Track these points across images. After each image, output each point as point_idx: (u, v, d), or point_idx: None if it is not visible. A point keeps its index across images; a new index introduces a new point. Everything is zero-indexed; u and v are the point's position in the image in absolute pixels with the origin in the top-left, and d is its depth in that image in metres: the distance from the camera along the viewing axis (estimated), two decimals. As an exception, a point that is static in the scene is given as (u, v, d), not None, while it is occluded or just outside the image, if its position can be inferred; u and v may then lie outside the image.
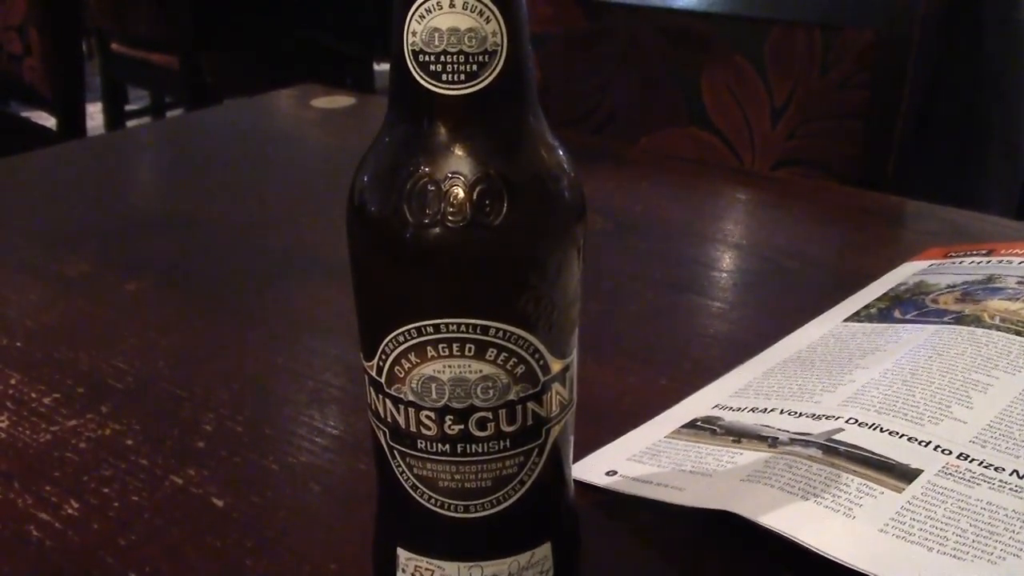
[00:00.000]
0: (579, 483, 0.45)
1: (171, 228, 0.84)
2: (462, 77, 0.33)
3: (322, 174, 0.94)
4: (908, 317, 0.62)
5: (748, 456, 0.49)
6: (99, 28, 2.52)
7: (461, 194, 0.33)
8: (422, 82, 0.33)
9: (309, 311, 0.70)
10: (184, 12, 2.13)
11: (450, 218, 0.33)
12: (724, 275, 0.76)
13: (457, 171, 0.34)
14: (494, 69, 0.33)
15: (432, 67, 0.33)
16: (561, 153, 0.36)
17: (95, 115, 2.62)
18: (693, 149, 1.12)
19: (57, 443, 0.54)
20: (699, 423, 0.54)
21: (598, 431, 0.53)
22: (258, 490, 0.51)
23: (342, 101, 1.13)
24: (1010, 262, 0.66)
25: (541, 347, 0.36)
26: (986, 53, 1.33)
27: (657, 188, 0.92)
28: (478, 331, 0.35)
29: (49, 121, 1.81)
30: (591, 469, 0.50)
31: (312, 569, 0.45)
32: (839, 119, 1.04)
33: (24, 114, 2.13)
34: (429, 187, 0.34)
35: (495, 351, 0.35)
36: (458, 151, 0.34)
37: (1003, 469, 0.46)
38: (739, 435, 0.51)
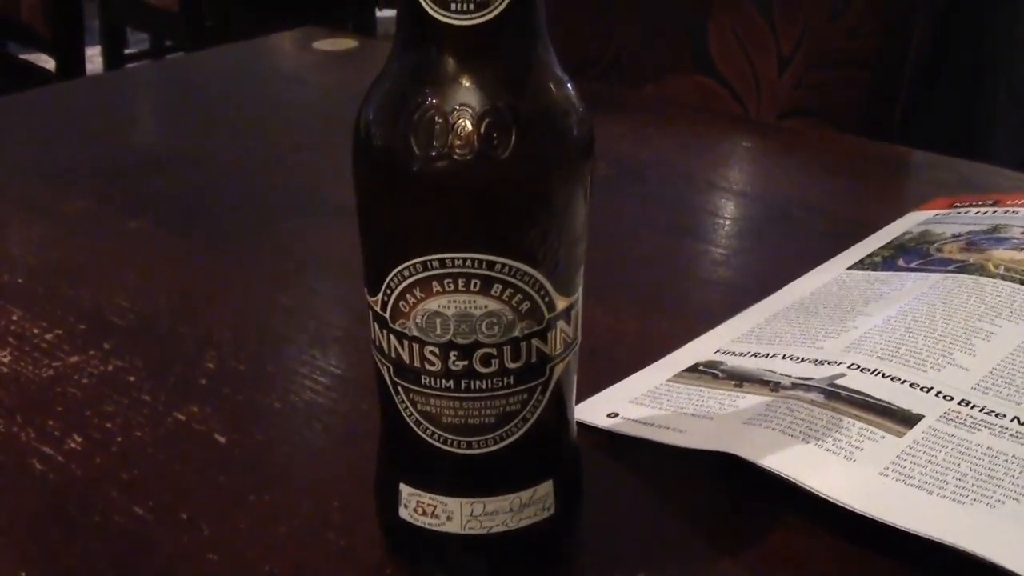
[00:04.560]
0: (580, 425, 0.45)
1: (172, 167, 0.83)
2: (472, 6, 0.32)
3: (325, 114, 0.93)
4: (912, 266, 0.61)
5: (750, 400, 0.49)
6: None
7: (469, 126, 0.33)
8: (431, 11, 0.33)
9: (311, 250, 0.70)
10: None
11: (457, 150, 0.33)
12: (728, 222, 0.76)
13: (465, 103, 0.33)
14: (504, -1, 0.33)
15: (441, -4, 0.33)
16: (570, 87, 0.36)
17: (94, 58, 2.59)
18: (698, 97, 1.11)
19: (59, 378, 0.54)
20: (701, 367, 0.54)
21: (599, 375, 0.53)
22: (261, 427, 0.51)
23: (345, 44, 1.12)
24: (1016, 212, 0.66)
25: (547, 284, 0.35)
26: (995, 2, 1.31)
27: (662, 135, 0.91)
28: (484, 266, 0.34)
29: (48, 64, 1.80)
30: (592, 411, 0.50)
31: (314, 504, 0.45)
32: (847, 68, 1.03)
33: (23, 57, 2.11)
34: (436, 119, 0.33)
35: (500, 287, 0.35)
36: (466, 83, 0.33)
37: (1004, 415, 0.46)
38: (741, 379, 0.51)
